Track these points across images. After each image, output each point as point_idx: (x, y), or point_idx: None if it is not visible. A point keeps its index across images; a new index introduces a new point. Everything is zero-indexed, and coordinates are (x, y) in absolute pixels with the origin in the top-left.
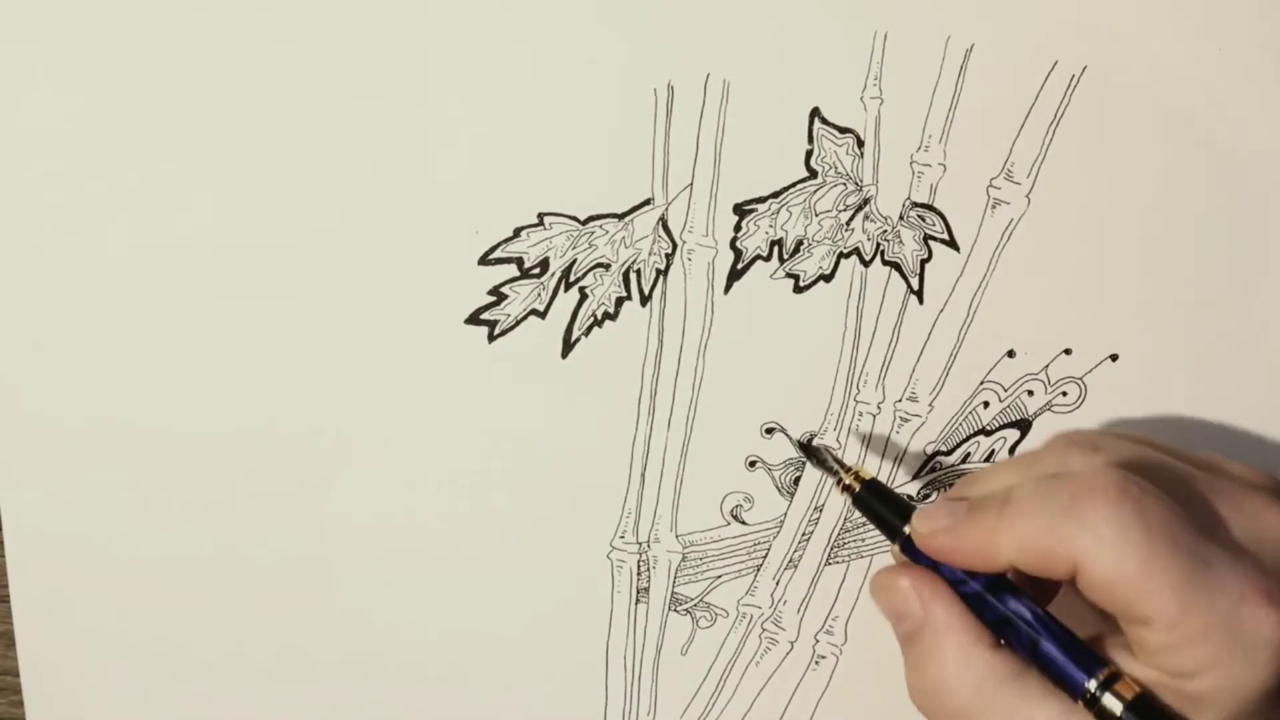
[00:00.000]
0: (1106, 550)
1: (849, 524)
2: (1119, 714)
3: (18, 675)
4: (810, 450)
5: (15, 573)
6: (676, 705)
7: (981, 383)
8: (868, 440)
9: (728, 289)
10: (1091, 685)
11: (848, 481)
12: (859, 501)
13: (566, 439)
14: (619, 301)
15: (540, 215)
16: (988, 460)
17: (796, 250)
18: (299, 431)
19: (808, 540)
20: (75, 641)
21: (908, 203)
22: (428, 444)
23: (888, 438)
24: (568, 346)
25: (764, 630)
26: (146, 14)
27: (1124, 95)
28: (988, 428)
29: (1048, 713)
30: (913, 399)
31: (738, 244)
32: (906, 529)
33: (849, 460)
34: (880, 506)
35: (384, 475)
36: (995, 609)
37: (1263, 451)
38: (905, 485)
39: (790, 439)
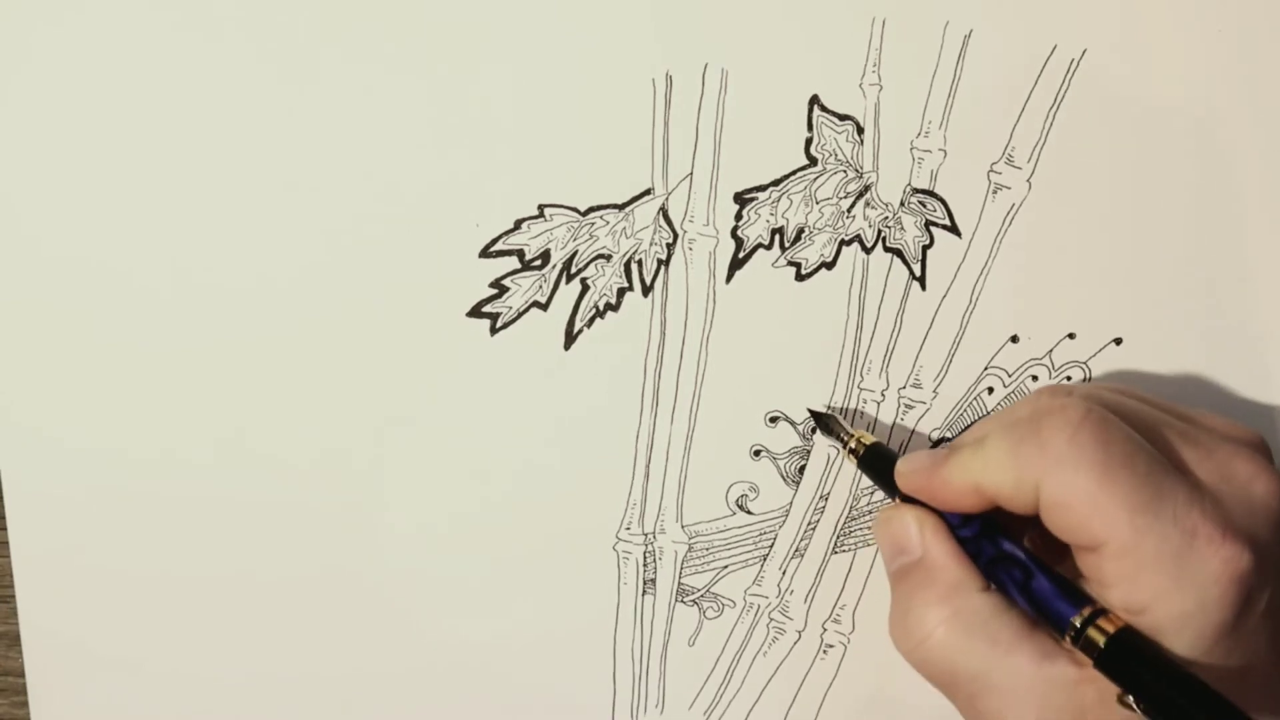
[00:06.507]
0: (1064, 469)
1: (855, 512)
2: (1102, 646)
3: (22, 676)
4: (820, 417)
5: (20, 573)
6: (685, 696)
7: (985, 368)
8: (872, 427)
9: (729, 278)
10: (1077, 620)
11: (853, 445)
12: (863, 464)
13: (570, 431)
14: (621, 292)
15: (540, 207)
16: None
17: (798, 238)
18: (298, 428)
19: (814, 529)
20: (79, 642)
21: (908, 189)
22: (430, 438)
23: (892, 424)
24: (570, 338)
25: (771, 620)
26: (135, 10)
27: (1124, 79)
28: (992, 414)
29: (1017, 661)
30: (916, 385)
31: (739, 233)
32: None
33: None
34: (883, 467)
35: (385, 470)
36: (990, 549)
37: (1266, 433)
38: None
39: (810, 411)
